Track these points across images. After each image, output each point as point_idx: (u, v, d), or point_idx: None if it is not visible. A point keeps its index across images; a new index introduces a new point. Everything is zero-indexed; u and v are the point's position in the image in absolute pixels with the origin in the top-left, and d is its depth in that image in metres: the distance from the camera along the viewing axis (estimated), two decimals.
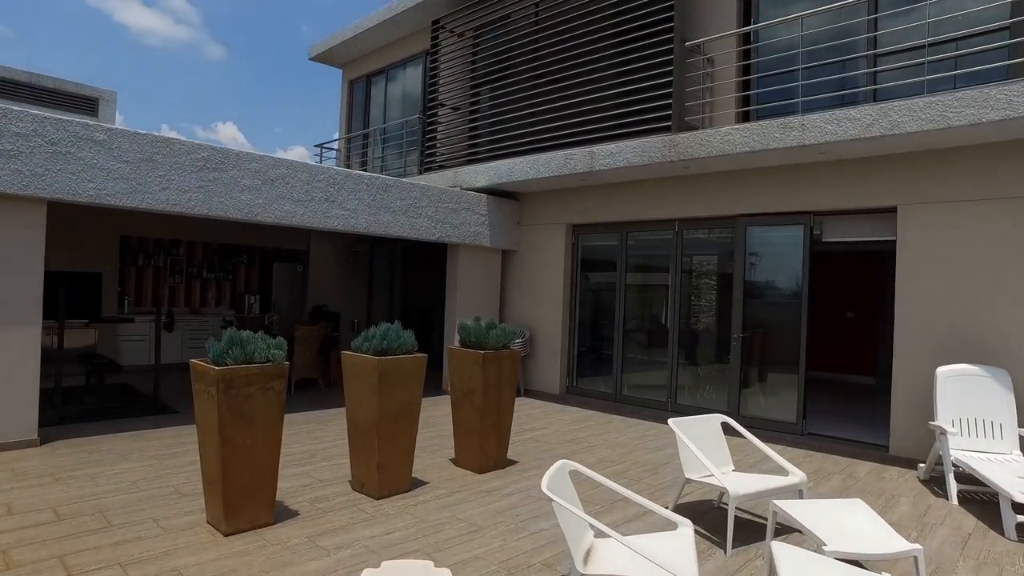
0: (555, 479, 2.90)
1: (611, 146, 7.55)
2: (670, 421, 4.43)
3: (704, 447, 4.40)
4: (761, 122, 6.39)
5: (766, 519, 3.90)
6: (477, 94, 9.79)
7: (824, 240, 6.85)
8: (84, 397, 7.44)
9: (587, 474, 3.33)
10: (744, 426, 4.83)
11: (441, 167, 10.08)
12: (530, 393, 9.19)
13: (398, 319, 4.92)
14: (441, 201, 8.40)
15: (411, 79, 11.99)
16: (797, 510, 3.47)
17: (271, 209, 6.71)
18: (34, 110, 5.39)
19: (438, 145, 10.23)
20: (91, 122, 5.60)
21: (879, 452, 6.17)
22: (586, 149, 7.81)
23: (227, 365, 3.66)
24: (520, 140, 8.78)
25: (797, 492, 4.05)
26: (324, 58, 13.54)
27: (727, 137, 6.57)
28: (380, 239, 12.58)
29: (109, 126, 5.73)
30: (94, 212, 9.25)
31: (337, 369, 9.09)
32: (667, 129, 7.18)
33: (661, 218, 8.06)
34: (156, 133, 5.94)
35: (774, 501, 3.62)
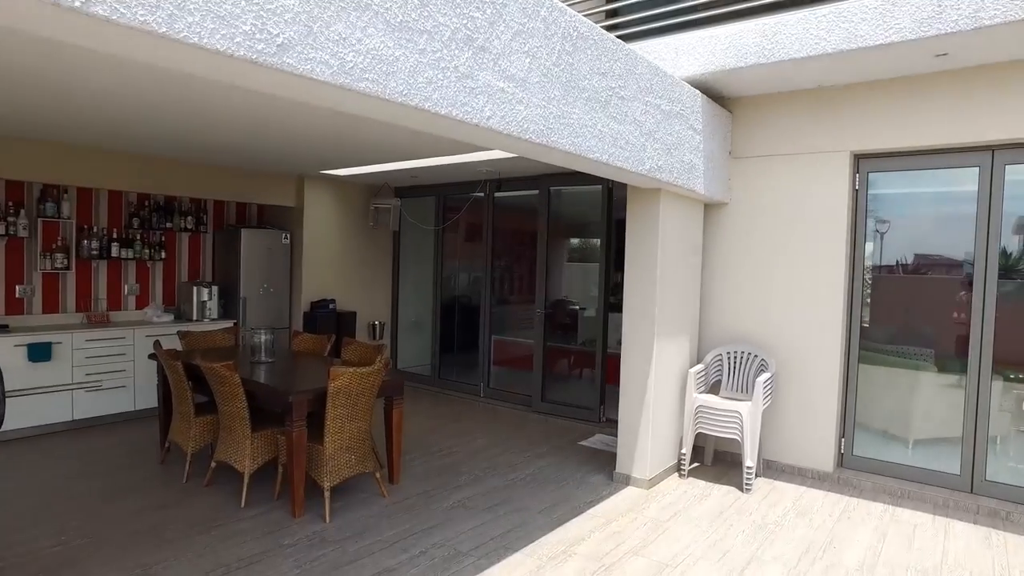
0: None
1: None
2: None
3: None
4: None
5: None
6: None
7: None
8: None
9: None
10: None
11: None
12: (771, 470, 4.96)
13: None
14: (652, 91, 3.88)
15: None
16: None
17: (365, 58, 2.05)
18: None
19: None
20: None
21: None
22: None
23: None
24: None
25: None
26: None
27: None
28: (415, 186, 7.82)
29: None
30: None
31: (399, 447, 4.52)
32: None
33: None
34: None
35: None
